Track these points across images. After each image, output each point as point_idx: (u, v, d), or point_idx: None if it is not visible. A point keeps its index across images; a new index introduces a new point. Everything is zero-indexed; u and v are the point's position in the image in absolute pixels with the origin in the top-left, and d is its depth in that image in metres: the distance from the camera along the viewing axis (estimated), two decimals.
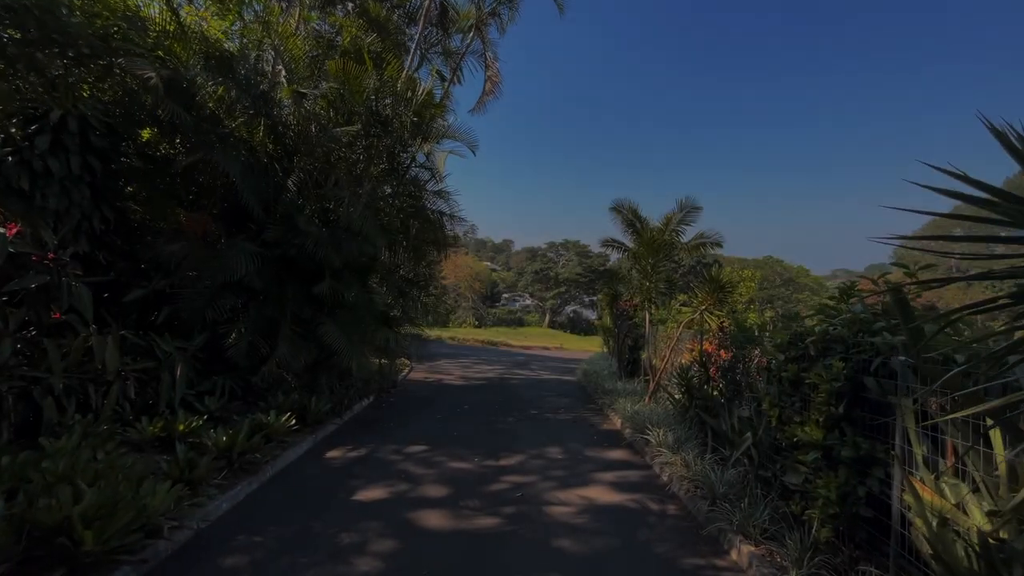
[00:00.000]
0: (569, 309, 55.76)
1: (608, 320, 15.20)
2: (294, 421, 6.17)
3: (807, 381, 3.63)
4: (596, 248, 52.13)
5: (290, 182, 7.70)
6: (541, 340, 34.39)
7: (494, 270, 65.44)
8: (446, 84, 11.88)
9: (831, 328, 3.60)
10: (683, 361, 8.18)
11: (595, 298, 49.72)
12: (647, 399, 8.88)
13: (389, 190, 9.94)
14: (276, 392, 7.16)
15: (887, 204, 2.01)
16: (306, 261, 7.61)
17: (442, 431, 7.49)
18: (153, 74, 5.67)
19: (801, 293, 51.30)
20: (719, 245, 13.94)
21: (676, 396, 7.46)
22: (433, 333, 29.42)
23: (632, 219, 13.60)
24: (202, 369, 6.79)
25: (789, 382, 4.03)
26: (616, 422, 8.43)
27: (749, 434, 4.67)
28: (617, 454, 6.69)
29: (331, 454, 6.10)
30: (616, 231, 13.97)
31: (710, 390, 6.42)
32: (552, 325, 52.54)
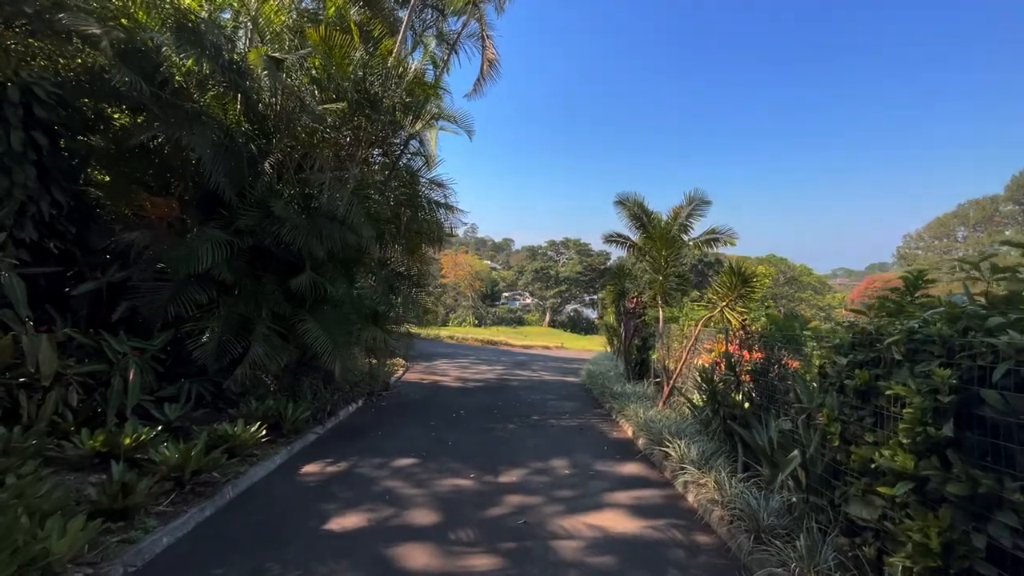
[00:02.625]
0: (570, 308, 55.07)
1: (613, 318, 14.45)
2: (265, 431, 5.41)
3: (886, 392, 2.88)
4: (597, 246, 51.55)
5: (267, 165, 6.93)
6: (542, 339, 33.65)
7: (494, 269, 64.76)
8: (440, 69, 11.13)
9: (918, 325, 2.84)
10: (701, 363, 7.43)
11: (596, 297, 49.03)
12: (660, 404, 8.13)
13: (380, 177, 9.17)
14: (251, 397, 6.40)
15: None
16: (285, 252, 6.86)
17: (436, 440, 6.74)
18: (99, 31, 4.90)
19: (804, 292, 50.67)
20: (732, 243, 13.22)
21: (696, 402, 6.71)
22: (431, 332, 28.80)
23: (638, 212, 12.87)
24: (165, 372, 6.04)
25: (855, 392, 3.28)
26: (627, 430, 7.67)
27: (796, 452, 3.92)
28: (631, 468, 5.94)
29: (307, 469, 5.34)
30: (620, 226, 13.28)
31: (738, 396, 5.66)
32: (552, 324, 51.82)
